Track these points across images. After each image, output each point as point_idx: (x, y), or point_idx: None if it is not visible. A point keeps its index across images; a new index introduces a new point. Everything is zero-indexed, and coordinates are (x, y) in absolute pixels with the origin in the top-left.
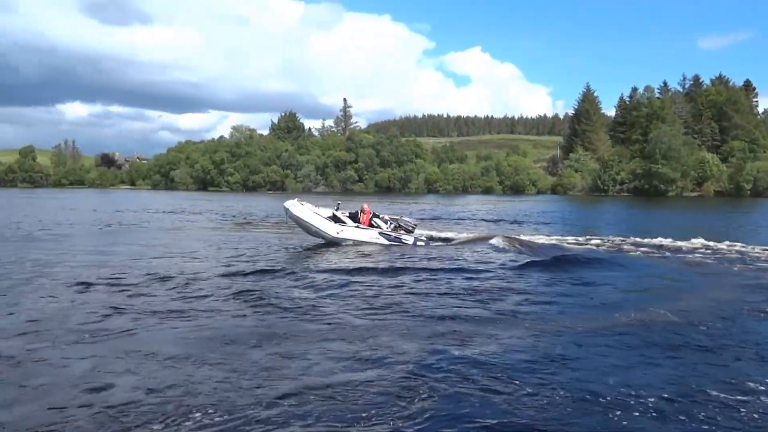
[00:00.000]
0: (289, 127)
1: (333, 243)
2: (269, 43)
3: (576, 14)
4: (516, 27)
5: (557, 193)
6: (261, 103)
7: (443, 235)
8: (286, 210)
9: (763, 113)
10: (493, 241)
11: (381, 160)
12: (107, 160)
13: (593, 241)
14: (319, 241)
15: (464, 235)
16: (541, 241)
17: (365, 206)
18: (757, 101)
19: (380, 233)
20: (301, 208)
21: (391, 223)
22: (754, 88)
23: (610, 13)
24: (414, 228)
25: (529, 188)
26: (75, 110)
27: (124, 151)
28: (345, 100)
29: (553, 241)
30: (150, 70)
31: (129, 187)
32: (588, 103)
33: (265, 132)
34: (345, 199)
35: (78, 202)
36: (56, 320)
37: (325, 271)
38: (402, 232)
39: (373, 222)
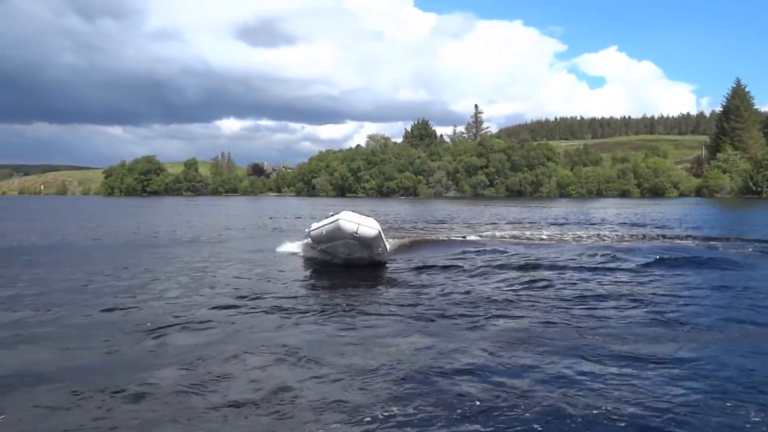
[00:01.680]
0: (421, 134)
1: (366, 264)
2: (402, 54)
3: (720, 4)
4: (655, 24)
5: (702, 195)
6: (394, 112)
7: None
8: (353, 228)
9: None
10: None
11: (512, 164)
12: (257, 170)
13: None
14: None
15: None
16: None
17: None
18: None
19: None
20: (373, 222)
21: None
22: None
23: None
24: None
25: (671, 191)
26: (230, 125)
27: (271, 161)
28: (476, 106)
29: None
30: (294, 85)
31: (276, 194)
32: (738, 99)
33: (399, 140)
34: (476, 204)
35: (237, 209)
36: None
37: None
38: None
39: None
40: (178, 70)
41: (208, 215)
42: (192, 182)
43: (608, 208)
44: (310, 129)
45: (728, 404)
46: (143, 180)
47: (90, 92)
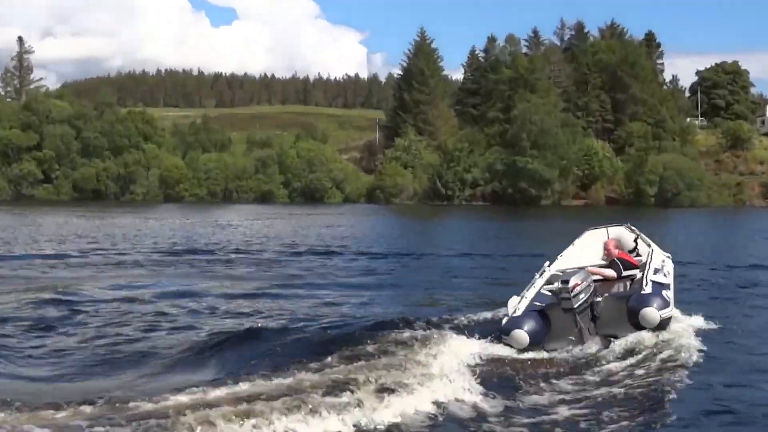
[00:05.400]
0: None
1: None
2: None
3: None
4: None
5: (376, 200)
6: None
7: None
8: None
9: (671, 81)
10: None
11: (84, 145)
12: None
13: None
14: None
15: None
16: None
17: (611, 244)
18: (662, 63)
19: None
20: None
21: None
22: (659, 45)
23: None
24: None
25: (331, 194)
26: None
27: None
28: (21, 39)
29: None
30: None
31: None
32: (423, 58)
33: None
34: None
35: None
36: None
37: None
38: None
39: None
40: None
41: None
42: None
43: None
44: None
45: None
46: None
47: None
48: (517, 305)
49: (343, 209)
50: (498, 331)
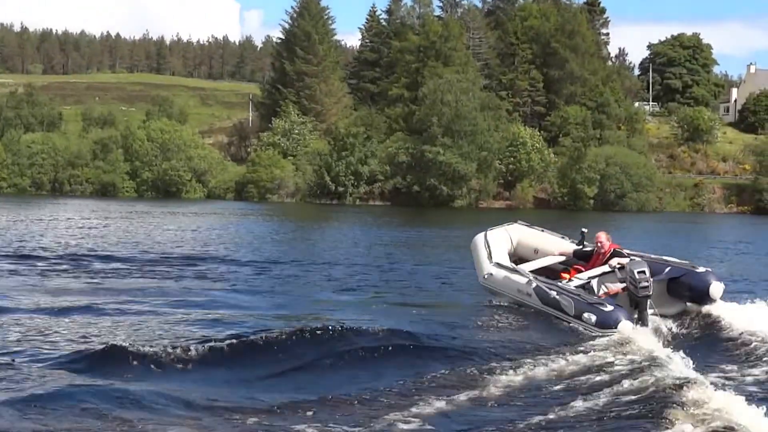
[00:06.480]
0: None
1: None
2: None
3: None
4: None
5: (247, 197)
6: None
7: None
8: None
9: (617, 57)
10: None
11: None
12: None
13: None
14: None
15: None
16: None
17: (603, 236)
18: (607, 34)
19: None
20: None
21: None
22: (603, 10)
23: None
24: None
25: (191, 188)
26: None
27: None
28: None
29: None
30: None
31: None
32: (310, 19)
33: None
34: None
35: None
36: None
37: None
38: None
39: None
40: None
41: None
42: None
43: None
44: None
45: None
46: None
47: None
48: (597, 301)
49: (204, 207)
50: (596, 327)
